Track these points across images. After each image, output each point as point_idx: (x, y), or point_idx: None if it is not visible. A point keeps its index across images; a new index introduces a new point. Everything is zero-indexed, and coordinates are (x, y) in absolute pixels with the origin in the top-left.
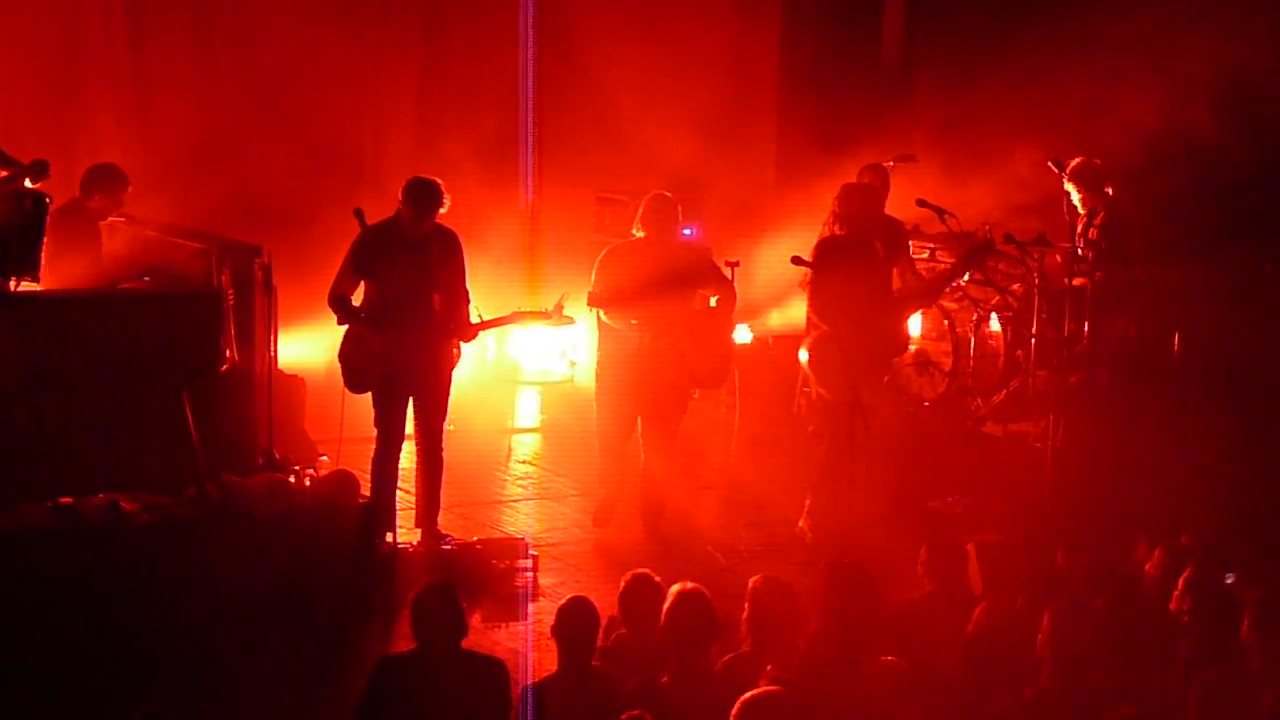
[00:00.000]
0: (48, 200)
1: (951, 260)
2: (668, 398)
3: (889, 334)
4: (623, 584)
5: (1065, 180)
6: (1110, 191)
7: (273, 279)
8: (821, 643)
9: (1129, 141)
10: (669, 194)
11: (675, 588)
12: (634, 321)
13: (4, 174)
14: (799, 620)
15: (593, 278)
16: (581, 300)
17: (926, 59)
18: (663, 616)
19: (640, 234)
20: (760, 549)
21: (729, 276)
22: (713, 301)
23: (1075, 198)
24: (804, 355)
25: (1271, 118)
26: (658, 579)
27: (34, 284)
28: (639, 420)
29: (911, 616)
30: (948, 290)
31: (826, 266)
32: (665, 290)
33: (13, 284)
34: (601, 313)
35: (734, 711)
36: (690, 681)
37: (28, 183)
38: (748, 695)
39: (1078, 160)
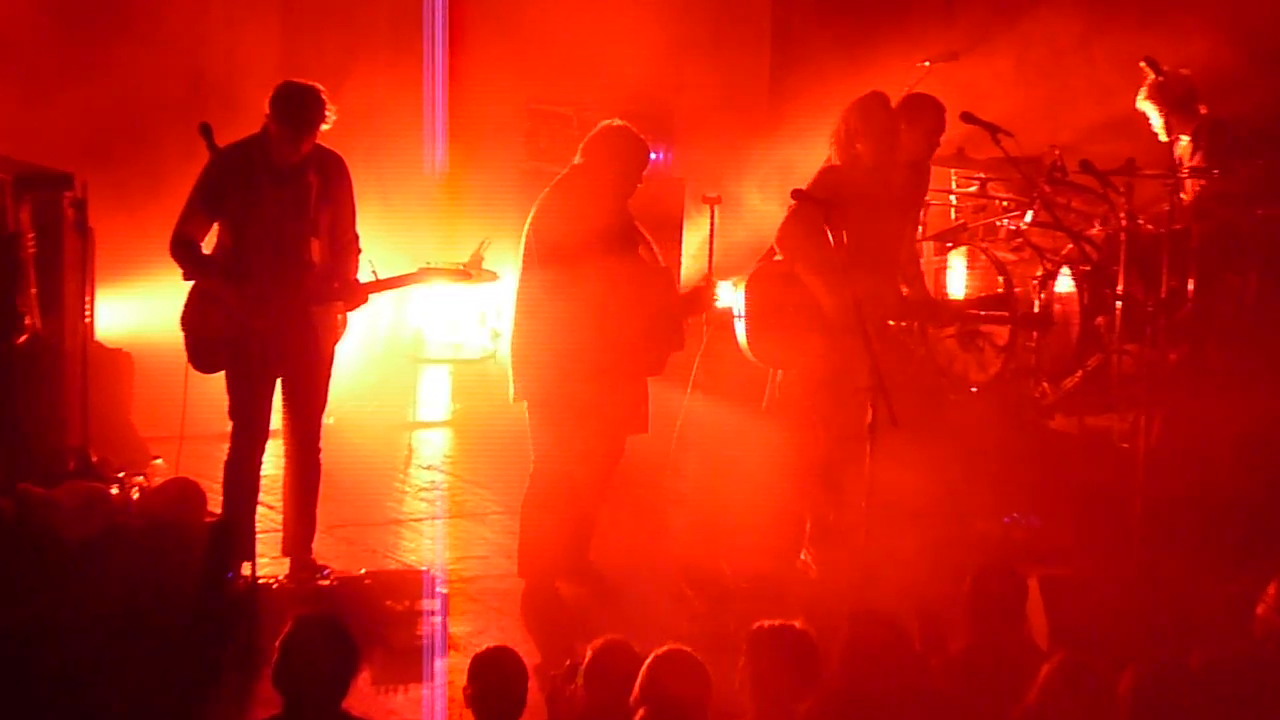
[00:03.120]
0: None
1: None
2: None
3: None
4: (589, 654)
5: (1142, 98)
6: (1204, 111)
7: (88, 219)
8: (830, 713)
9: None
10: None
11: (659, 651)
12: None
13: None
14: (812, 682)
15: (529, 238)
16: (508, 250)
17: None
18: (638, 689)
19: (579, 160)
20: (749, 588)
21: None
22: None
23: (1156, 122)
24: (737, 301)
25: None
26: (635, 649)
27: None
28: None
29: (950, 677)
30: (1004, 235)
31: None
32: (617, 246)
33: None
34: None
35: None
36: None
37: None
38: None
39: (1155, 77)
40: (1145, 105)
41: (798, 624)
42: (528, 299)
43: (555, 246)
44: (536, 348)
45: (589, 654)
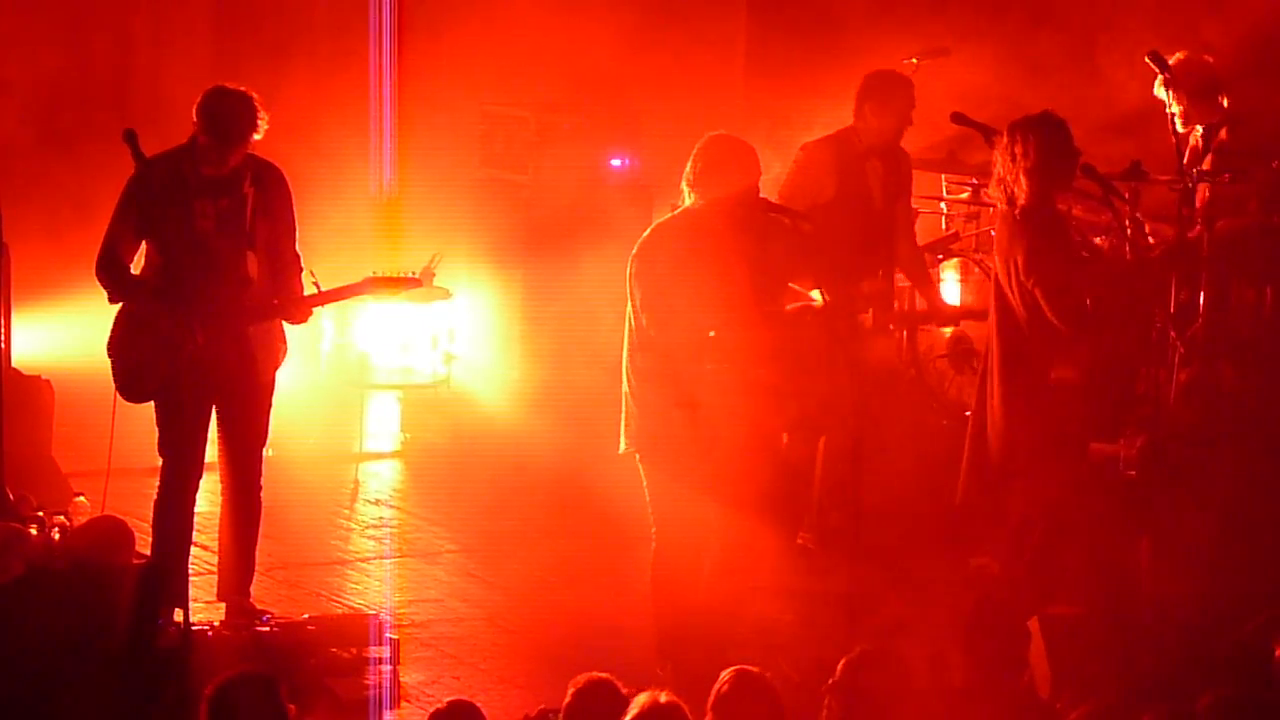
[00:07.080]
0: None
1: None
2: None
3: None
4: (571, 693)
5: (1159, 86)
6: (1226, 103)
7: (2, 234)
8: None
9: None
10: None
11: (642, 698)
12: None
13: None
14: None
15: (632, 289)
16: (461, 265)
17: None
18: None
19: (692, 199)
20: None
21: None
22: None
23: (1174, 110)
24: None
25: None
26: (624, 690)
27: None
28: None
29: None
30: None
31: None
32: (753, 292)
33: None
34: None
35: None
36: None
37: None
38: None
39: (1179, 56)
40: (1161, 91)
41: (767, 673)
42: (635, 343)
43: (664, 308)
44: (650, 392)
45: (570, 693)
